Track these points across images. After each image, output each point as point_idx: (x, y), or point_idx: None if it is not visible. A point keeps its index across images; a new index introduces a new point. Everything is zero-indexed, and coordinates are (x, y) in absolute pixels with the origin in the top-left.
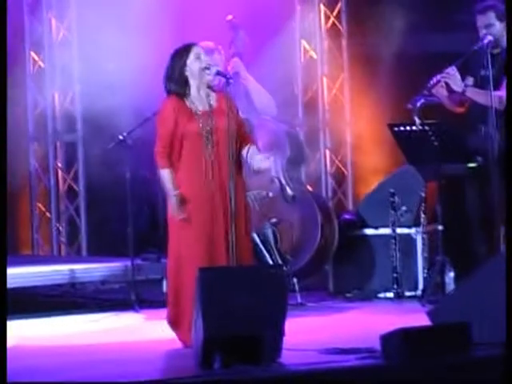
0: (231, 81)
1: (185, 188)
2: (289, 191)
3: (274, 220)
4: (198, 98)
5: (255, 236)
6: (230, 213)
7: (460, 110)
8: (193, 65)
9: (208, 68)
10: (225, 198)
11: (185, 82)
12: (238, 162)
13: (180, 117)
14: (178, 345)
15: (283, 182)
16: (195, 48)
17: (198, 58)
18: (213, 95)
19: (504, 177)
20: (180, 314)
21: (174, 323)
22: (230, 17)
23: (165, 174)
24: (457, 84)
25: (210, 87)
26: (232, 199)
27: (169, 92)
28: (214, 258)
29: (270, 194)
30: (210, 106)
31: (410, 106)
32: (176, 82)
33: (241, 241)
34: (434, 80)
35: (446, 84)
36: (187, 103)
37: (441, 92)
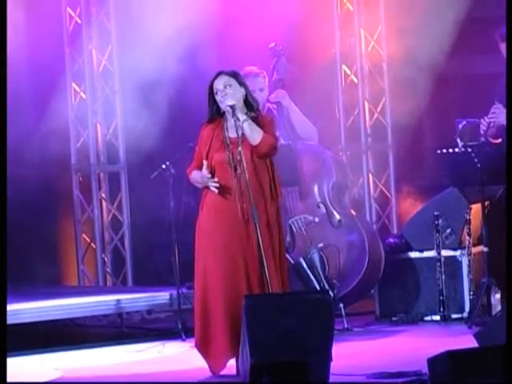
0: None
1: (212, 215)
2: (336, 216)
3: (320, 245)
4: (231, 124)
5: (302, 261)
6: (257, 243)
7: (497, 141)
8: None
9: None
10: (251, 228)
11: (218, 108)
12: (269, 190)
13: (213, 144)
14: (226, 372)
15: (329, 206)
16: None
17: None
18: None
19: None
20: (208, 339)
21: (203, 348)
22: (272, 44)
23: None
24: (505, 119)
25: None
26: (257, 228)
27: (208, 117)
28: (238, 287)
29: (316, 219)
30: (242, 133)
31: (456, 137)
32: (211, 107)
33: (270, 272)
34: (485, 123)
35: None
36: (222, 129)
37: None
